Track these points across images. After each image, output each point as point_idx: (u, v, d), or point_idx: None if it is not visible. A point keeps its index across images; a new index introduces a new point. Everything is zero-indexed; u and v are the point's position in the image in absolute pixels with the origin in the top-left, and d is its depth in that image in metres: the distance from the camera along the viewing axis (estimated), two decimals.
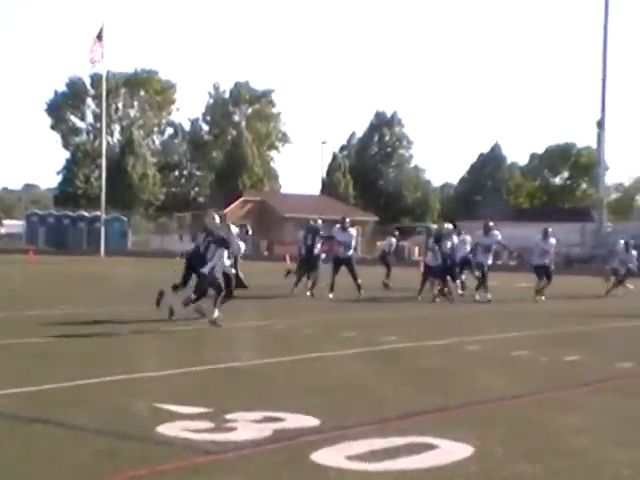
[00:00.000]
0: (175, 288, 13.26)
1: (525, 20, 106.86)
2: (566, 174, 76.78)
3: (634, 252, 22.99)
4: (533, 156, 77.63)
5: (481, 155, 75.14)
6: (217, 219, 13.40)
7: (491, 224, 19.92)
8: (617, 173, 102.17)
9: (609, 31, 42.33)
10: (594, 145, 47.58)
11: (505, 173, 74.14)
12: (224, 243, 12.91)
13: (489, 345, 11.53)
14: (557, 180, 77.55)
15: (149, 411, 6.70)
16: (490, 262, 19.63)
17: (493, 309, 17.82)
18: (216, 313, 12.39)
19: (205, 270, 12.58)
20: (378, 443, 5.84)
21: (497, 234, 19.75)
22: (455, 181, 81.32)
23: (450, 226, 20.64)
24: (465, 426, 6.59)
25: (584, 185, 74.83)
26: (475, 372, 9.24)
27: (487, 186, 71.96)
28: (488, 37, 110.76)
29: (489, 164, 73.27)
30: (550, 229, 20.14)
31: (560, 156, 75.30)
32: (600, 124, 43.10)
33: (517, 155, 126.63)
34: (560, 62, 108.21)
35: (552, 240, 20.06)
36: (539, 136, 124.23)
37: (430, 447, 5.85)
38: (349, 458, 5.44)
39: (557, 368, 9.72)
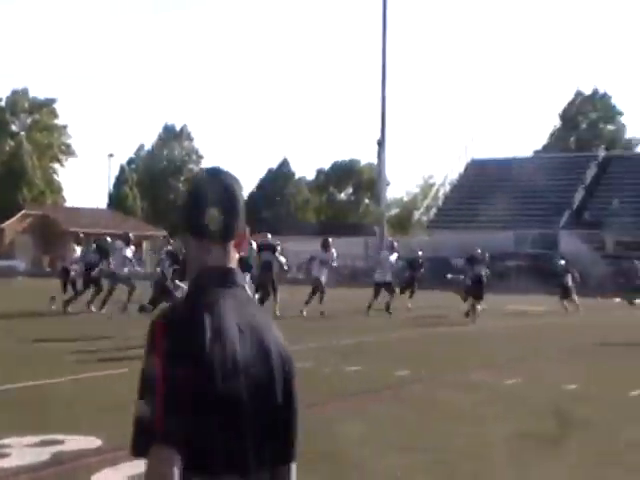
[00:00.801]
0: None
1: (306, 37, 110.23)
2: (350, 190, 79.69)
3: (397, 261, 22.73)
4: (320, 172, 80.00)
5: (270, 170, 76.40)
6: None
7: (330, 240, 20.30)
8: (397, 189, 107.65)
9: (387, 54, 44.44)
10: (376, 162, 49.78)
11: (293, 188, 75.83)
12: None
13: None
14: (342, 195, 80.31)
15: None
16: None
17: (278, 322, 17.98)
18: None
19: None
20: None
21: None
22: (245, 196, 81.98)
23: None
24: None
25: (367, 200, 77.96)
26: None
27: (276, 201, 73.24)
28: (274, 55, 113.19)
29: (278, 179, 74.62)
30: (330, 239, 20.40)
31: (345, 172, 78.06)
32: (380, 143, 45.16)
33: (305, 170, 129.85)
34: (345, 80, 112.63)
35: (333, 250, 20.44)
36: (325, 152, 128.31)
37: None
38: (131, 479, 5.30)
39: (340, 378, 10.01)
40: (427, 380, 10.00)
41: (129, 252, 19.25)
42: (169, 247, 17.12)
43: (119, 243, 19.61)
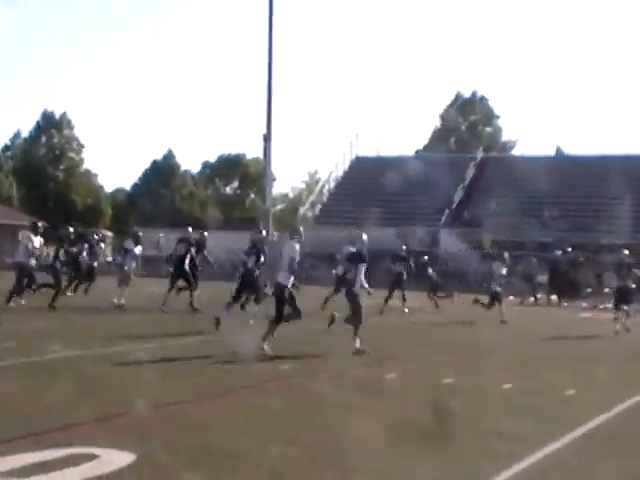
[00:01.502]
0: None
1: (193, 27, 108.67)
2: (236, 184, 79.35)
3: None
4: (205, 165, 79.32)
5: (154, 162, 75.17)
6: None
7: (140, 234, 20.54)
8: (282, 184, 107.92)
9: (274, 47, 44.35)
10: (262, 157, 49.69)
11: (179, 181, 74.86)
12: None
13: (155, 353, 11.52)
14: (228, 190, 79.89)
15: None
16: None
17: (156, 318, 17.60)
18: None
19: None
20: (34, 457, 5.60)
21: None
22: (128, 187, 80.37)
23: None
24: (127, 434, 6.55)
25: (253, 195, 77.81)
26: (140, 380, 9.19)
27: (160, 193, 72.12)
28: (160, 44, 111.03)
29: (162, 171, 73.49)
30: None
31: (231, 166, 77.65)
32: (266, 137, 45.12)
33: (190, 163, 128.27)
34: (231, 73, 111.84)
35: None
36: (211, 145, 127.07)
37: (90, 457, 5.74)
38: (1, 475, 5.15)
39: (221, 372, 9.99)
40: (308, 374, 10.09)
41: (37, 242, 18.69)
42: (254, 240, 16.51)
43: (26, 233, 18.95)
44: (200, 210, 74.44)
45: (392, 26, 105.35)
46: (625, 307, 17.18)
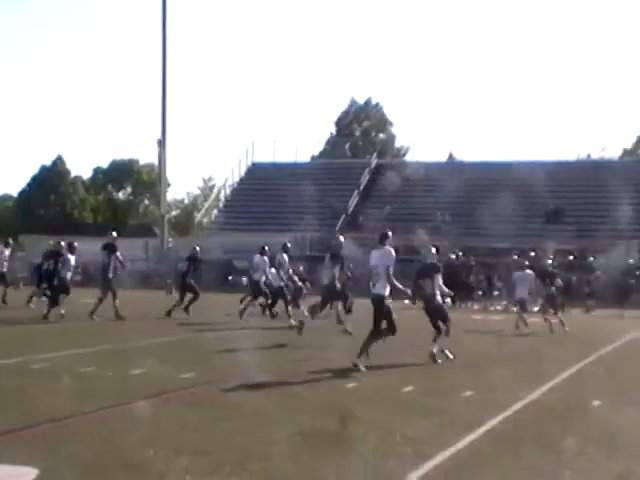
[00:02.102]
0: None
1: (86, 29, 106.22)
2: (130, 190, 77.92)
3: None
4: (97, 170, 77.52)
5: (43, 167, 73.02)
6: None
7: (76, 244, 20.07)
8: (177, 190, 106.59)
9: (168, 52, 43.99)
10: (156, 162, 49.05)
11: (69, 187, 72.92)
12: None
13: (55, 363, 11.24)
14: (121, 195, 78.35)
15: None
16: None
17: (57, 327, 17.30)
18: None
19: None
20: None
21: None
22: (15, 193, 77.77)
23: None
24: (30, 448, 6.37)
25: (146, 201, 76.60)
26: (42, 391, 8.95)
27: (50, 199, 70.10)
28: (49, 47, 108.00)
29: (52, 177, 71.43)
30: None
31: (124, 171, 76.17)
32: (161, 143, 44.58)
33: (81, 169, 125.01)
34: (124, 77, 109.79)
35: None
36: (103, 150, 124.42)
37: None
38: None
39: (124, 382, 9.82)
40: (212, 383, 10.02)
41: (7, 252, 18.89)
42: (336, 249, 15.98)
43: None
44: (92, 216, 72.75)
45: (288, 32, 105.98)
46: (551, 311, 18.45)
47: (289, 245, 20.19)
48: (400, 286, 11.22)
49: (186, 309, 20.00)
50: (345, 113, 73.27)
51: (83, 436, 6.86)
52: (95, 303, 18.38)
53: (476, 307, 27.52)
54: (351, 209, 44.68)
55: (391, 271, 11.06)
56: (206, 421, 7.70)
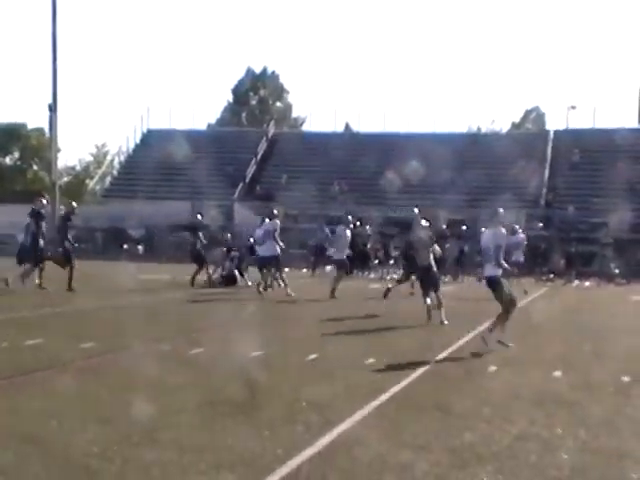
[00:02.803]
0: None
1: None
2: (17, 155, 75.18)
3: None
4: None
5: None
6: None
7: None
8: (68, 156, 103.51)
9: (58, 11, 42.40)
10: (46, 127, 47.46)
11: None
12: None
13: None
14: (8, 160, 75.49)
15: None
16: None
17: None
18: None
19: None
20: None
21: None
22: None
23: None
24: None
25: (35, 167, 74.10)
26: None
27: None
28: None
29: None
30: None
31: (10, 136, 73.40)
32: (52, 108, 43.10)
33: None
34: (11, 39, 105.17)
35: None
36: None
37: None
38: None
39: (19, 353, 9.55)
40: (113, 352, 9.87)
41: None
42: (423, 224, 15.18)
43: None
44: None
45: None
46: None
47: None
48: (506, 265, 10.95)
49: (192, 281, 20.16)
50: (241, 81, 72.61)
51: None
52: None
53: (372, 276, 27.96)
54: (248, 178, 44.46)
55: (502, 252, 10.73)
56: (108, 391, 7.57)
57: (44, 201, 19.01)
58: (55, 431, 6.05)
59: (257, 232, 19.57)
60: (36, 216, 18.24)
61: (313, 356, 9.82)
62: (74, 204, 20.80)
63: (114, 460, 5.40)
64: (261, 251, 19.17)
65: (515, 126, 67.63)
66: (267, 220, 19.30)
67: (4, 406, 6.83)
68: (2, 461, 5.28)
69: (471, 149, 43.41)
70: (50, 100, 43.16)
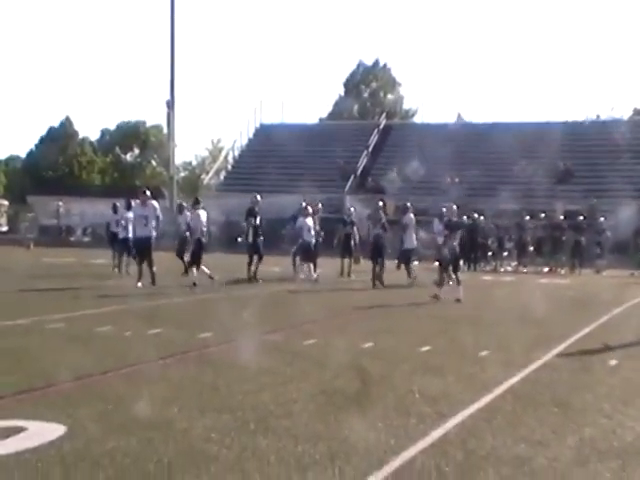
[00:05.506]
0: None
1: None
2: (137, 151, 77.74)
3: None
4: (104, 132, 77.32)
5: (51, 128, 72.83)
6: None
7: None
8: (185, 152, 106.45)
9: (176, 11, 43.58)
10: (164, 124, 48.88)
11: (77, 148, 72.74)
12: None
13: (72, 323, 11.31)
14: (128, 157, 78.18)
15: None
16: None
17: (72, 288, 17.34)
18: None
19: None
20: None
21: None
22: (23, 154, 77.70)
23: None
24: (55, 406, 6.44)
25: (154, 163, 76.43)
26: (60, 351, 9.02)
27: (58, 161, 69.99)
28: (57, 7, 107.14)
29: (60, 138, 71.23)
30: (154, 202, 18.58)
31: (131, 133, 75.96)
32: (169, 104, 44.37)
33: (88, 130, 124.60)
34: (131, 38, 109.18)
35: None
36: (110, 112, 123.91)
37: (18, 430, 5.62)
38: None
39: (141, 342, 9.87)
40: (229, 342, 10.08)
41: None
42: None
43: None
44: (100, 178, 72.71)
45: None
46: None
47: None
48: None
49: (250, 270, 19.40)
50: (353, 74, 72.67)
51: (103, 395, 6.91)
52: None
53: (487, 268, 27.57)
54: (360, 171, 44.46)
55: None
56: (225, 381, 7.72)
57: (258, 197, 19.81)
58: (176, 417, 6.23)
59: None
60: (250, 213, 19.13)
61: (426, 348, 9.75)
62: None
63: (232, 447, 5.51)
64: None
65: (637, 112, 65.03)
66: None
67: (129, 393, 7.08)
68: (127, 446, 5.47)
69: (590, 137, 42.06)
70: (168, 97, 44.52)
